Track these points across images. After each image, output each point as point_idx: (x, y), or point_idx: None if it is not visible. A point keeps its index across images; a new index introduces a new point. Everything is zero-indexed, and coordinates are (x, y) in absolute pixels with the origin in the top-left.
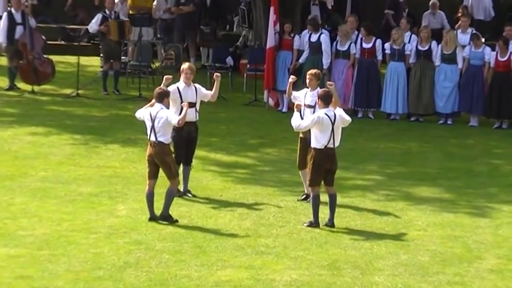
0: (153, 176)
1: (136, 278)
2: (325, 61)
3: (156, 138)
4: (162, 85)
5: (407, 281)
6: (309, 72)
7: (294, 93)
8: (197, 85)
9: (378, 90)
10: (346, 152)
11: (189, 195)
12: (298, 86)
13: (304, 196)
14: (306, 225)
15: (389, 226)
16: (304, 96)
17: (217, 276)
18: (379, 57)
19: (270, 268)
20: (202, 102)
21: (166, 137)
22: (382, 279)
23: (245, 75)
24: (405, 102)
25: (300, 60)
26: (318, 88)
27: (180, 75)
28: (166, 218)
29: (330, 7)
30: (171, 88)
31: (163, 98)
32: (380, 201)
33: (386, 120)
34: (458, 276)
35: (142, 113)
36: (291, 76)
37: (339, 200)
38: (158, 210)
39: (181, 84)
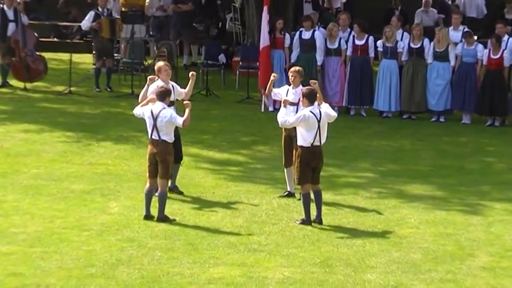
0: (154, 175)
1: (128, 275)
2: (320, 58)
3: (159, 137)
4: (146, 85)
5: (400, 279)
6: (292, 69)
7: (275, 90)
8: (173, 83)
9: (371, 87)
10: (339, 150)
11: (177, 190)
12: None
13: (286, 193)
14: (298, 222)
15: (382, 224)
16: (286, 93)
17: (209, 274)
18: (372, 54)
19: (262, 266)
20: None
21: (169, 136)
22: (375, 276)
23: (237, 72)
24: (398, 99)
25: (292, 59)
26: (301, 86)
27: (156, 74)
28: (164, 219)
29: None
30: (152, 88)
31: (165, 96)
32: (372, 199)
33: (379, 117)
34: (451, 273)
35: (142, 110)
36: (273, 74)
37: (332, 197)
38: (152, 208)
39: (160, 83)
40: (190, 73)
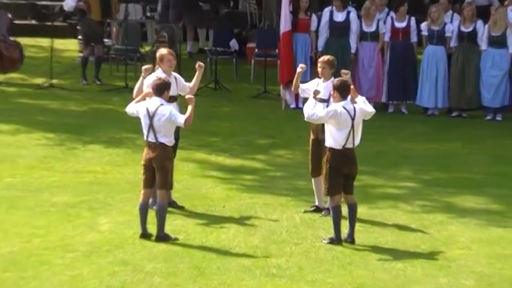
0: (149, 184)
1: None
2: (354, 44)
3: (156, 139)
4: (141, 77)
5: None
6: (321, 59)
7: (303, 85)
8: (176, 75)
9: (414, 79)
10: (374, 155)
11: (176, 206)
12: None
13: (314, 208)
14: (325, 242)
15: (426, 243)
16: (316, 86)
17: None
18: (414, 39)
19: None
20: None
21: (168, 138)
22: None
23: (253, 61)
24: (445, 94)
25: (319, 47)
26: (332, 78)
27: (157, 64)
28: (164, 238)
29: None
30: (149, 80)
31: (163, 90)
32: (415, 213)
33: (423, 115)
34: None
35: (136, 108)
36: (300, 65)
37: (366, 211)
38: (150, 224)
39: (160, 74)
40: (197, 64)
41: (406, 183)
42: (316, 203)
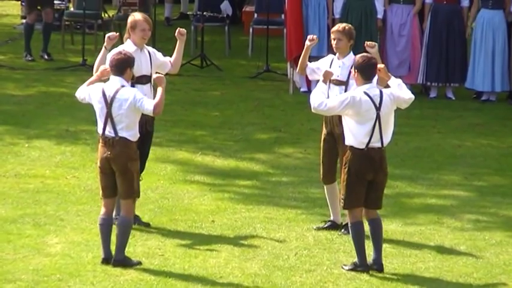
0: (110, 192)
1: None
2: (382, 7)
3: (115, 133)
4: (102, 50)
5: None
6: (335, 28)
7: (312, 64)
8: (150, 49)
9: (463, 55)
10: (411, 154)
11: (140, 222)
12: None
13: (329, 224)
14: (347, 268)
15: (481, 270)
16: (330, 64)
17: None
18: (465, 1)
19: None
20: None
21: (132, 131)
22: None
23: (251, 30)
24: (505, 74)
25: (336, 13)
26: (351, 54)
27: (127, 32)
28: (122, 262)
29: None
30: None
31: (124, 68)
32: (465, 231)
33: (475, 102)
34: None
35: (88, 92)
36: (309, 36)
37: (401, 229)
38: (114, 245)
39: (130, 46)
40: (177, 31)
41: (454, 191)
42: (332, 218)
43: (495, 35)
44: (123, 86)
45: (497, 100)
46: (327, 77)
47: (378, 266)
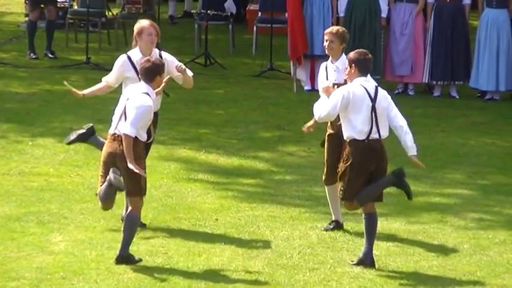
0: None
1: None
2: (386, 6)
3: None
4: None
5: None
6: (328, 30)
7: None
8: (169, 57)
9: (467, 53)
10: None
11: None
12: None
13: (333, 225)
14: (353, 263)
15: (484, 269)
16: (326, 71)
17: None
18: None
19: None
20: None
21: (141, 132)
22: None
23: (255, 29)
24: (510, 74)
25: (340, 12)
26: (343, 56)
27: (134, 40)
28: (126, 259)
29: None
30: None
31: (153, 76)
32: (469, 230)
33: (480, 101)
34: None
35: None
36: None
37: (404, 227)
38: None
39: (135, 53)
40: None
41: (457, 190)
42: (334, 217)
43: (499, 34)
44: (143, 93)
45: (501, 99)
46: (327, 93)
47: (370, 261)
